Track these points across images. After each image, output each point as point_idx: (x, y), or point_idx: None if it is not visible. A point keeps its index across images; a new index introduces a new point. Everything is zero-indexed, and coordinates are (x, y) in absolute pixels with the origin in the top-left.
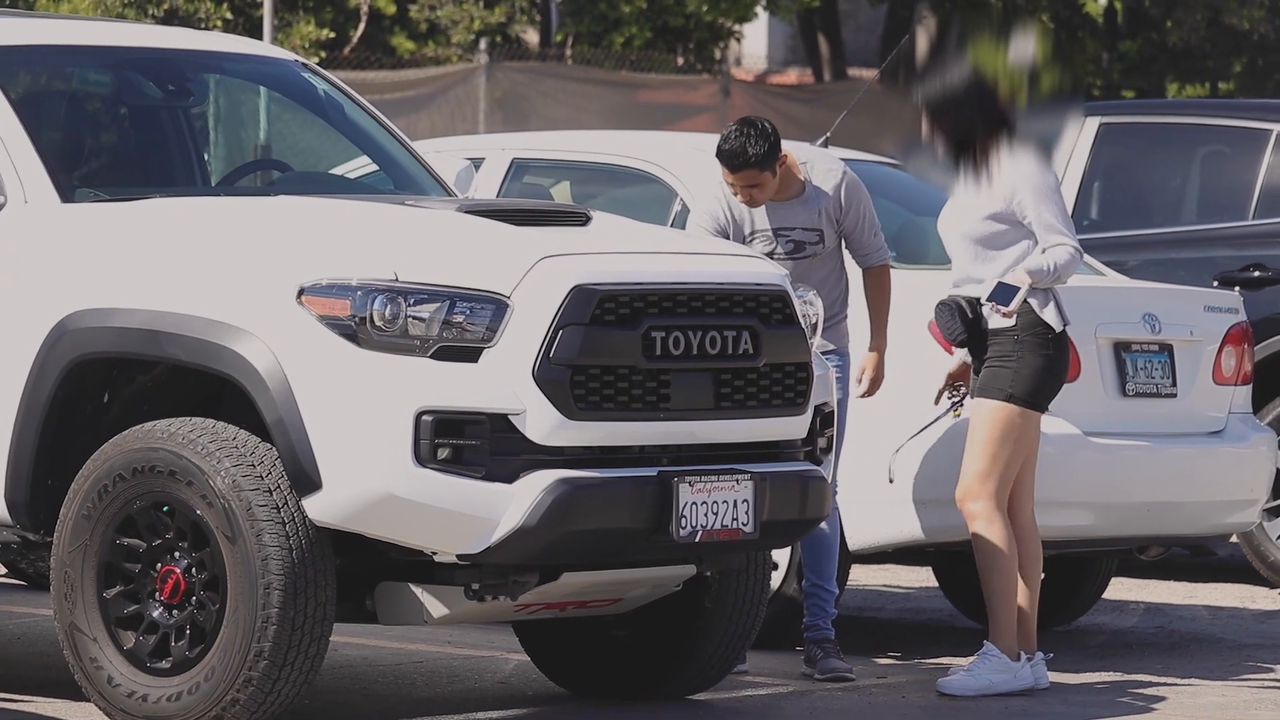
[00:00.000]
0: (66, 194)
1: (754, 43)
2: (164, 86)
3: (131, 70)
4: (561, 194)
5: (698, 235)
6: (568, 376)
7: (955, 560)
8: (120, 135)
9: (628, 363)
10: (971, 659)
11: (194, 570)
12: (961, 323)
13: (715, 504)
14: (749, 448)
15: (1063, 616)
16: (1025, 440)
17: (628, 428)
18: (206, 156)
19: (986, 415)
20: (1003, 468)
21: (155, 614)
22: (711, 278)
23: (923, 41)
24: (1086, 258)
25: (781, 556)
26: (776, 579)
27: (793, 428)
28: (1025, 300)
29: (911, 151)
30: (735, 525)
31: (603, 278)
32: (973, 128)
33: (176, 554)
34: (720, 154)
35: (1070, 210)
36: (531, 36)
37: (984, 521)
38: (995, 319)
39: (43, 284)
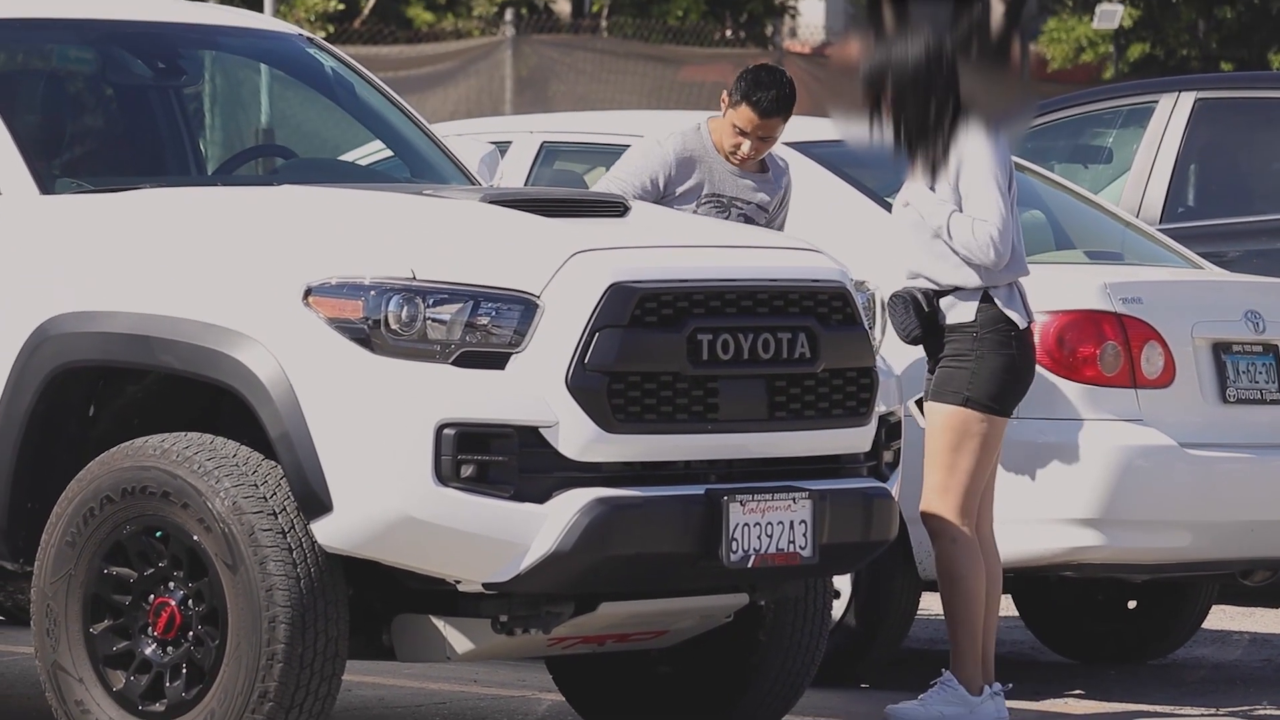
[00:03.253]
0: (46, 184)
1: (810, 9)
2: (154, 64)
3: (118, 46)
4: (597, 181)
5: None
6: (605, 385)
7: (1037, 587)
8: (105, 119)
9: (671, 369)
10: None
11: (190, 602)
12: (916, 317)
13: (769, 525)
14: (806, 463)
15: (1159, 648)
16: (989, 448)
17: (672, 441)
18: (201, 142)
19: (943, 421)
20: (965, 479)
21: (148, 651)
22: (763, 274)
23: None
24: (1180, 247)
25: (843, 583)
26: (838, 608)
27: (855, 440)
28: (988, 293)
29: (855, 121)
30: (792, 549)
31: (643, 274)
32: (937, 114)
33: (171, 584)
34: (758, 99)
35: (1163, 195)
36: (563, 6)
37: (946, 540)
38: (953, 314)
39: (20, 285)
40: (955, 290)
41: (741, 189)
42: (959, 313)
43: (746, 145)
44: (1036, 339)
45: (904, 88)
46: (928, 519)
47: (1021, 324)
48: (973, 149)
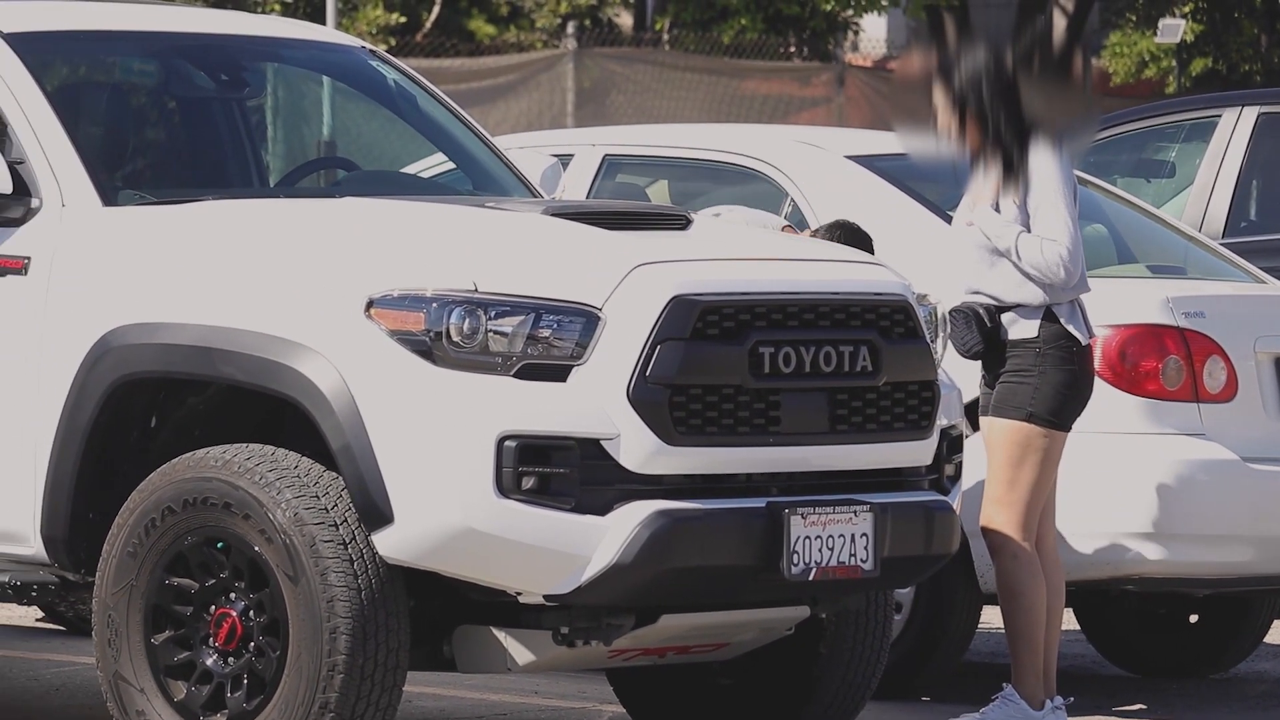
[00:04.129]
0: (108, 196)
1: (872, 24)
2: (216, 77)
3: (180, 59)
4: (659, 194)
5: (811, 240)
6: (666, 397)
7: (1098, 600)
8: (168, 131)
9: (733, 381)
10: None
11: (252, 613)
12: (979, 332)
13: (831, 538)
14: (868, 476)
15: (1220, 663)
16: (1050, 463)
17: (733, 454)
18: (264, 154)
19: (1004, 436)
20: (1026, 494)
21: (209, 662)
22: (825, 286)
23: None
24: (1242, 261)
25: (905, 597)
26: (899, 622)
27: (917, 453)
28: (1051, 310)
29: (921, 135)
30: (853, 562)
31: (705, 287)
32: (1011, 126)
33: (232, 595)
34: None
35: (1226, 210)
36: (625, 20)
37: (1007, 555)
38: (1016, 329)
39: (82, 296)
40: (1018, 306)
41: None
42: (1021, 329)
43: None
44: (1098, 353)
45: (970, 102)
46: (988, 534)
47: (1083, 340)
48: (1039, 166)
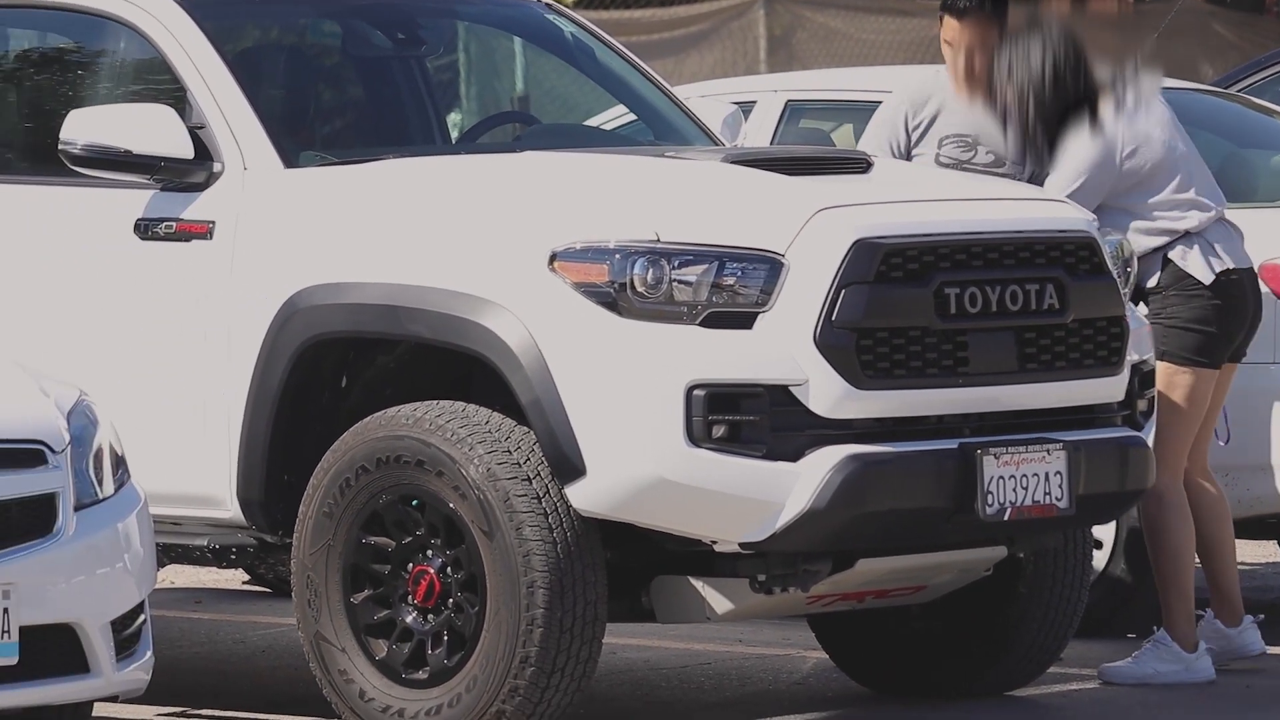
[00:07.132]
0: (290, 158)
1: None
2: (393, 35)
3: (357, 18)
4: (843, 139)
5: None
6: (853, 341)
7: None
8: (347, 91)
9: (919, 323)
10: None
11: (449, 570)
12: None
13: (1025, 477)
14: (1060, 413)
15: None
16: (1194, 401)
17: (922, 396)
18: (445, 111)
19: None
20: (1170, 434)
21: (409, 619)
22: (1009, 225)
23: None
24: None
25: (1105, 533)
26: (1100, 559)
27: (1108, 389)
28: (1166, 255)
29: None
30: (1048, 501)
31: (888, 230)
32: (1060, 113)
33: (429, 552)
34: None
35: None
36: None
37: (1152, 497)
38: (1143, 274)
39: (267, 259)
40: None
41: (984, 127)
42: (1146, 274)
43: (955, 58)
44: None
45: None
46: None
47: (1205, 280)
48: (1075, 149)
